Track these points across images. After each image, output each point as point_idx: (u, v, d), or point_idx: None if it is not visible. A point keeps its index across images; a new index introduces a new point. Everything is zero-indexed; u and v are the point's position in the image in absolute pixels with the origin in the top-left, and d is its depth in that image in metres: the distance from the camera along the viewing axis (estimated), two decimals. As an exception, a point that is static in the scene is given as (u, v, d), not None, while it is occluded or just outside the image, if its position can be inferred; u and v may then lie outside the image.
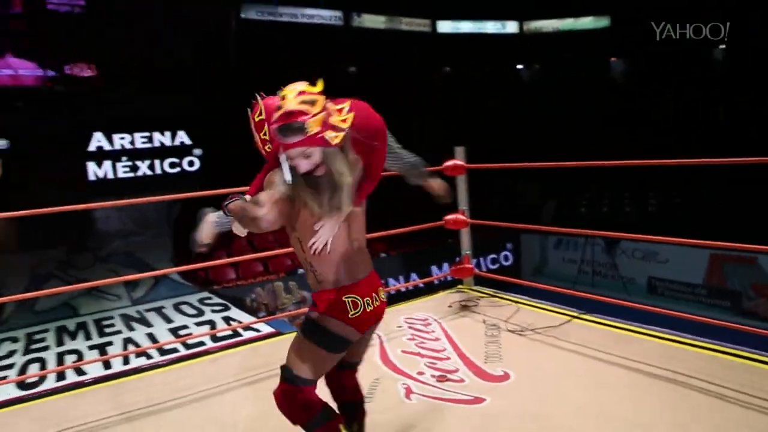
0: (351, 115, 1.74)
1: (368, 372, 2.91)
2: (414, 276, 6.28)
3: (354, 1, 16.86)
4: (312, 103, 1.65)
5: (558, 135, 14.04)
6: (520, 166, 4.22)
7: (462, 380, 2.80)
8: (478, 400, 2.58)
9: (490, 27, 19.46)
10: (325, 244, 1.76)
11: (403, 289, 7.05)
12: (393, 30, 18.00)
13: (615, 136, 12.43)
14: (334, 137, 1.66)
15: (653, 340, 3.11)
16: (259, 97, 1.89)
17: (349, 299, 1.79)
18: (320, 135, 1.64)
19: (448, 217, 4.00)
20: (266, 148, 1.85)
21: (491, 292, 4.12)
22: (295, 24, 16.27)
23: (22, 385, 4.97)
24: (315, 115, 1.63)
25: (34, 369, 5.41)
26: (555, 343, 3.17)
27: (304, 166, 1.68)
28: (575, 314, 3.54)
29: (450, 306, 3.89)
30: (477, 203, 4.17)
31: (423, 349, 3.22)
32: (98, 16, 12.21)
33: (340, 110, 1.73)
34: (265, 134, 1.84)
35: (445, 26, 19.02)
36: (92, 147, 10.82)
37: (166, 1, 12.52)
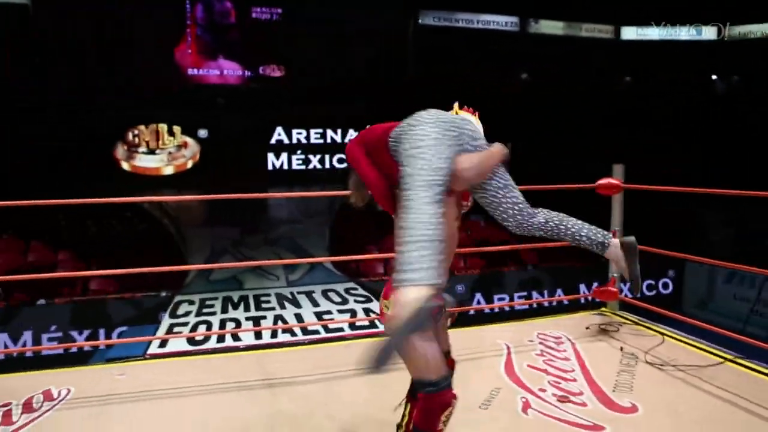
0: None
1: (490, 380, 2.96)
2: (559, 292, 6.07)
3: (532, 6, 16.49)
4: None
5: (752, 157, 12.43)
6: (685, 190, 3.87)
7: (584, 404, 2.71)
8: (597, 428, 2.49)
9: (684, 33, 17.78)
10: None
11: (546, 304, 6.84)
12: (572, 36, 17.29)
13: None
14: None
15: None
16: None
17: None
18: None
19: (596, 235, 3.83)
20: None
21: (636, 320, 3.87)
22: (471, 30, 16.40)
23: (191, 341, 5.85)
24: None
25: (201, 329, 6.29)
26: (698, 384, 2.90)
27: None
28: (730, 357, 3.20)
29: (588, 328, 3.73)
30: (644, 223, 3.94)
31: (550, 367, 3.15)
32: (293, 23, 13.53)
33: None
34: None
35: (629, 32, 17.81)
36: (273, 140, 12.07)
37: (350, 10, 13.45)
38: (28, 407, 2.68)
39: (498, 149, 1.91)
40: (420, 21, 15.75)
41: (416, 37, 15.55)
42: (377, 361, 1.42)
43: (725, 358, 3.19)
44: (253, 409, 2.67)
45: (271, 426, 2.49)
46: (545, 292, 6.66)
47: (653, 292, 8.96)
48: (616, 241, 2.14)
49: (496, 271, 7.97)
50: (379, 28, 14.26)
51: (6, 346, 6.10)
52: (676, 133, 14.19)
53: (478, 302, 6.78)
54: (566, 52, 16.58)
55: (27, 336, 5.98)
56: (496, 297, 7.62)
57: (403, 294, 1.43)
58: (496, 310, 6.66)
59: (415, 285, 1.43)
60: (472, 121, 1.99)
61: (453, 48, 15.36)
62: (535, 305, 6.90)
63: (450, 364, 2.02)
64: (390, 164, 1.79)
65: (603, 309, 4.09)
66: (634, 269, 2.13)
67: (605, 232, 2.15)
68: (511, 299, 7.46)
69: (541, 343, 3.51)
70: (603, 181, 3.72)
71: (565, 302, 7.15)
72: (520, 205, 2.00)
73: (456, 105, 2.10)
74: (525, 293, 7.38)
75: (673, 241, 4.68)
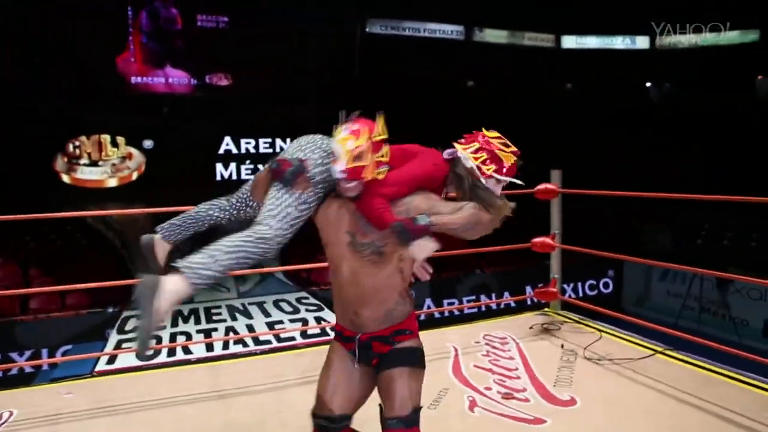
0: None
1: (438, 382, 3.07)
2: (506, 294, 6.28)
3: (476, 15, 16.92)
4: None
5: (687, 159, 13.14)
6: (618, 194, 4.11)
7: (527, 400, 2.86)
8: (538, 421, 2.63)
9: (619, 42, 18.64)
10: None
11: (494, 307, 7.05)
12: (515, 45, 17.84)
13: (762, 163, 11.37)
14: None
15: (742, 386, 2.95)
16: (380, 115, 1.78)
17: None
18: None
19: (536, 240, 4.02)
20: (378, 172, 1.71)
21: (576, 318, 4.07)
22: (418, 38, 16.68)
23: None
24: None
25: (151, 344, 6.16)
26: (631, 376, 3.11)
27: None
28: (660, 349, 3.42)
29: (531, 327, 3.90)
30: (586, 226, 4.13)
31: (495, 366, 3.29)
32: (238, 31, 13.42)
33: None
34: (382, 156, 1.72)
35: (569, 41, 18.53)
36: (221, 150, 11.92)
37: (296, 19, 13.47)
38: (-27, 430, 2.61)
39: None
40: (367, 29, 15.92)
41: (363, 44, 15.71)
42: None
43: (656, 351, 3.41)
44: (207, 420, 2.68)
45: (224, 436, 2.52)
46: (493, 295, 6.87)
47: (594, 292, 9.38)
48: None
49: (446, 277, 8.16)
50: (325, 36, 14.34)
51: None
52: (615, 137, 14.84)
53: (429, 307, 6.94)
54: (510, 59, 17.12)
55: (-40, 360, 5.71)
56: (446, 302, 7.81)
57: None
58: (446, 314, 6.80)
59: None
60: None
61: (400, 55, 15.60)
62: (483, 308, 7.10)
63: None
64: None
65: (546, 309, 4.29)
66: (143, 318, 1.56)
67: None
68: (461, 303, 7.67)
69: (487, 344, 3.66)
70: (541, 186, 3.90)
71: (512, 304, 7.38)
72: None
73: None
74: (474, 297, 7.58)
75: (612, 243, 4.94)
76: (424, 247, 1.69)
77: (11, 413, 2.74)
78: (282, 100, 12.74)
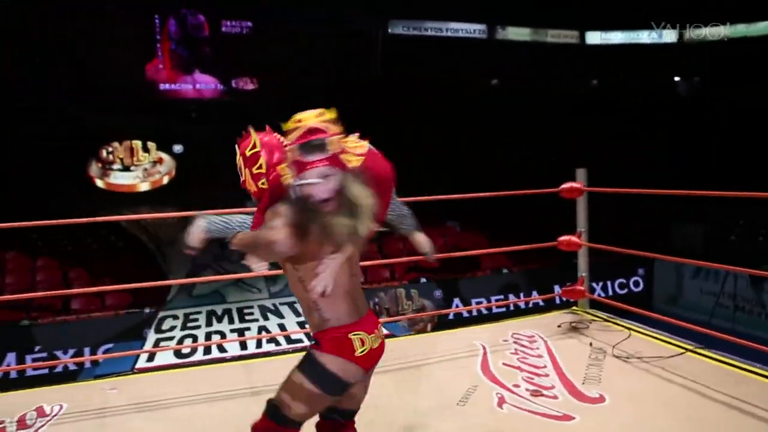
0: (366, 143, 1.76)
1: (467, 379, 3.12)
2: (534, 293, 6.30)
3: (499, 14, 16.87)
4: (332, 122, 1.69)
5: (718, 155, 12.90)
6: (646, 192, 4.11)
7: (555, 397, 2.89)
8: (566, 417, 2.67)
9: (645, 37, 18.36)
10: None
11: (522, 305, 7.06)
12: (538, 42, 17.74)
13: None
14: (350, 161, 1.66)
15: (775, 384, 2.93)
16: (251, 129, 1.82)
17: (357, 337, 1.71)
18: (339, 156, 1.64)
19: (562, 238, 4.04)
20: (260, 183, 1.74)
21: (605, 317, 4.08)
22: (440, 38, 16.71)
23: (178, 354, 5.96)
24: (334, 134, 1.66)
25: (187, 342, 6.40)
26: (660, 374, 3.11)
27: (320, 191, 1.61)
28: (690, 347, 3.41)
29: (559, 326, 3.92)
30: (616, 224, 4.13)
31: (523, 364, 3.33)
32: (262, 36, 13.65)
33: (352, 140, 1.76)
34: (259, 168, 1.74)
35: (594, 37, 18.33)
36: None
37: (319, 21, 13.63)
38: (22, 424, 2.75)
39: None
40: (389, 30, 16.00)
41: (386, 46, 15.80)
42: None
43: (686, 349, 3.40)
44: (241, 415, 2.77)
45: None
46: (521, 294, 6.88)
47: (625, 291, 9.28)
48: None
49: (473, 276, 8.20)
50: (348, 37, 14.48)
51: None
52: (641, 133, 14.65)
53: (457, 306, 7.00)
54: (533, 57, 17.02)
55: (11, 357, 5.98)
56: (473, 301, 7.83)
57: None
58: (475, 313, 6.83)
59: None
60: None
61: (422, 56, 15.64)
62: (512, 307, 7.12)
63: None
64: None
65: (574, 308, 4.30)
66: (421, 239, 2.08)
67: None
68: (489, 302, 7.68)
69: (515, 342, 3.69)
70: (566, 185, 3.91)
71: (541, 303, 7.38)
72: None
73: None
74: (501, 296, 7.59)
75: (642, 241, 4.91)
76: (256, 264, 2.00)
77: (61, 407, 2.90)
78: (305, 102, 12.89)
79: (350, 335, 1.71)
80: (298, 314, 7.49)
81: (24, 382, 5.61)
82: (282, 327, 7.54)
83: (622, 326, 3.86)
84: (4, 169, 10.53)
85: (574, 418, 2.66)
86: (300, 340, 6.32)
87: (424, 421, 2.67)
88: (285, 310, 8.03)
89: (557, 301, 6.30)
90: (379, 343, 1.79)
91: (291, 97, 13.20)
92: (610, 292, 9.00)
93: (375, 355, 1.78)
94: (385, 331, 1.86)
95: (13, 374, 5.88)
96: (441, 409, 2.79)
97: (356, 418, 2.65)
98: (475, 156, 12.90)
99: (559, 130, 14.43)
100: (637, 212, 10.28)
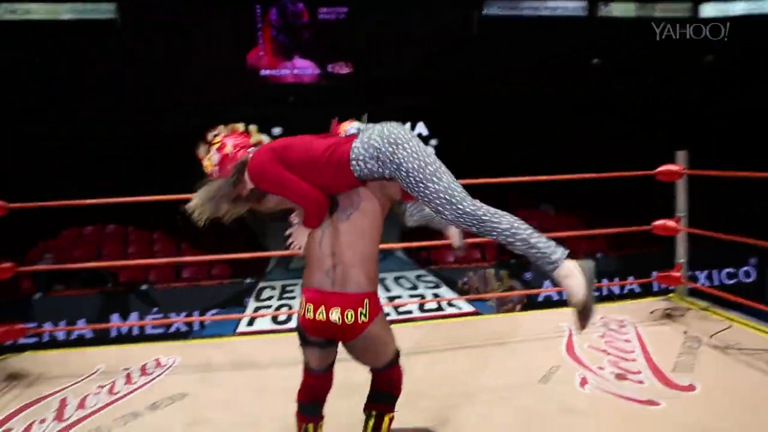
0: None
1: (549, 359, 3.13)
2: (631, 279, 6.03)
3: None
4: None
5: None
6: (756, 175, 3.84)
7: (642, 382, 2.83)
8: (651, 403, 2.61)
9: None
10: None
11: (616, 291, 6.84)
12: (644, 18, 16.61)
13: None
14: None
15: None
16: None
17: (302, 299, 1.99)
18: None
19: (657, 222, 3.89)
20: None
21: (704, 305, 3.88)
22: (537, 17, 16.12)
23: (275, 320, 6.45)
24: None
25: (283, 310, 6.81)
26: (762, 368, 2.94)
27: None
28: (800, 341, 3.19)
29: (652, 312, 3.80)
30: (720, 210, 3.89)
31: (611, 348, 3.27)
32: (357, 21, 13.93)
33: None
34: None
35: (709, 9, 16.89)
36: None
37: (410, 5, 13.66)
38: (143, 371, 3.15)
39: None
40: (484, 12, 15.66)
41: (481, 27, 15.49)
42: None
43: (794, 342, 3.18)
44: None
45: (344, 393, 2.79)
46: (616, 278, 6.60)
47: (733, 281, 8.57)
48: (570, 264, 1.92)
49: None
50: (443, 21, 14.38)
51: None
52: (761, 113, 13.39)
53: (548, 290, 6.86)
54: (640, 34, 15.97)
55: (134, 316, 6.77)
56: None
57: (569, 267, 1.90)
58: (565, 297, 6.67)
59: (567, 258, 1.90)
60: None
61: (519, 36, 15.18)
62: (605, 291, 6.86)
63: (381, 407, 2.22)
64: (331, 178, 1.98)
65: (671, 295, 4.13)
66: (589, 299, 1.93)
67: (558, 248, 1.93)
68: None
69: (603, 325, 3.62)
70: (662, 168, 3.75)
71: (636, 289, 7.08)
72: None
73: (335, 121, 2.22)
74: (596, 280, 7.30)
75: (755, 228, 4.53)
76: None
77: (174, 360, 3.27)
78: (398, 85, 13.05)
79: (303, 295, 2.00)
80: (387, 290, 7.62)
81: (145, 338, 6.37)
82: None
83: (724, 316, 3.66)
84: (144, 152, 11.58)
85: (659, 404, 2.60)
86: (387, 313, 6.48)
87: (502, 396, 2.73)
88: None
89: (655, 289, 6.04)
90: (319, 319, 1.94)
91: (384, 80, 13.43)
92: (717, 282, 8.39)
93: (312, 326, 1.97)
94: (336, 317, 1.93)
95: (136, 331, 6.66)
96: (521, 386, 2.83)
97: (436, 392, 2.78)
98: (572, 136, 12.48)
99: (668, 111, 13.55)
100: (750, 198, 9.45)
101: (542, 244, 1.88)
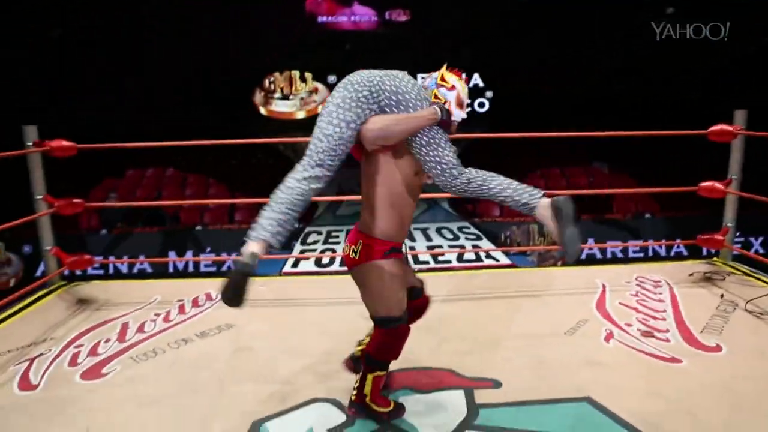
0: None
1: (578, 313, 3.20)
2: (678, 241, 5.90)
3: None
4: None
5: None
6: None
7: (668, 340, 2.87)
8: (673, 360, 2.66)
9: None
10: None
11: (662, 252, 6.72)
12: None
13: None
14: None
15: None
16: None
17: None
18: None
19: (704, 184, 3.80)
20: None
21: (747, 270, 3.83)
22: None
23: (318, 263, 6.72)
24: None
25: (327, 254, 7.09)
26: (795, 334, 2.92)
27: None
28: (842, 312, 3.13)
29: (691, 275, 3.78)
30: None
31: (641, 306, 3.31)
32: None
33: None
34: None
35: None
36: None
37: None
38: (195, 303, 3.45)
39: (425, 112, 1.92)
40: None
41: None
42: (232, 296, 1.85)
43: (836, 313, 3.13)
44: (362, 320, 3.17)
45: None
46: (663, 240, 6.46)
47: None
48: (545, 202, 1.93)
49: (613, 219, 7.82)
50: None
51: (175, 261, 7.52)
52: None
53: (590, 247, 6.79)
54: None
55: (189, 254, 7.24)
56: (609, 242, 7.53)
57: (246, 246, 1.83)
58: (609, 255, 6.63)
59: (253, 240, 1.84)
60: (400, 77, 1.96)
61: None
62: (650, 252, 6.75)
63: (424, 301, 2.35)
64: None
65: (714, 259, 4.08)
66: (563, 233, 1.90)
67: (534, 192, 1.96)
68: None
69: (638, 285, 3.65)
70: (715, 127, 3.64)
71: (685, 252, 6.94)
72: (443, 166, 1.94)
73: (444, 68, 2.09)
74: (640, 240, 7.18)
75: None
76: None
77: (222, 295, 3.53)
78: (453, 35, 12.75)
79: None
80: (428, 239, 7.79)
81: (198, 274, 6.81)
82: (411, 249, 7.89)
83: (765, 282, 3.61)
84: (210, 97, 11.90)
85: (681, 361, 2.64)
86: (426, 262, 6.65)
87: (528, 343, 2.84)
88: (417, 234, 8.28)
89: (704, 253, 5.90)
90: (345, 253, 2.19)
91: (441, 29, 13.14)
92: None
93: (345, 260, 2.19)
94: (341, 251, 2.22)
95: (190, 267, 7.12)
96: (547, 336, 2.93)
97: (465, 335, 2.93)
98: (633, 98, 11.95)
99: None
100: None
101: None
